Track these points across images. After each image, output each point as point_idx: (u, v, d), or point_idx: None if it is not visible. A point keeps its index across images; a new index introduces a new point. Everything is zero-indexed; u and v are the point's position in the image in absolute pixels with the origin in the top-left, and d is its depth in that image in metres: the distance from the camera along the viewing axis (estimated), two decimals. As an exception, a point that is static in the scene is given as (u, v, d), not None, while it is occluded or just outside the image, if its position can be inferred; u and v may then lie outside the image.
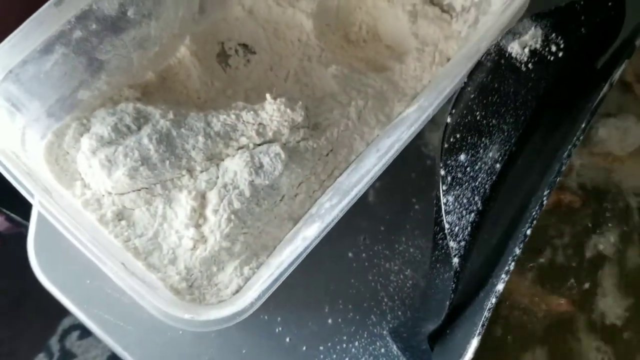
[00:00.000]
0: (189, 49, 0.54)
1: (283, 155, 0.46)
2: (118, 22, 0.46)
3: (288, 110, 0.47)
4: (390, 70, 0.53)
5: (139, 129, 0.46)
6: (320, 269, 0.51)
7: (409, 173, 0.55)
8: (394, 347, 0.50)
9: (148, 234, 0.45)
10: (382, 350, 0.50)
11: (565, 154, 0.36)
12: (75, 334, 1.14)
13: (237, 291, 0.44)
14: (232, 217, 0.44)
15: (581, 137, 0.37)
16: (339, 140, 0.49)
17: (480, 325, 0.34)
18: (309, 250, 0.40)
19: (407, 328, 0.49)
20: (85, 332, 1.13)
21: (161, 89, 0.52)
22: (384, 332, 0.50)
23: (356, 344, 0.50)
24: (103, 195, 0.46)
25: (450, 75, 0.43)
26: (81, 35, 0.44)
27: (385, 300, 0.51)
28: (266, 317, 0.50)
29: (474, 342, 0.34)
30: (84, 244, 0.38)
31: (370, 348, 0.50)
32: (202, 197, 0.46)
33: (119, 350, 0.48)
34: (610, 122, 0.51)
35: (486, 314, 0.34)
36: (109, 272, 0.37)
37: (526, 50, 0.40)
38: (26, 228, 0.51)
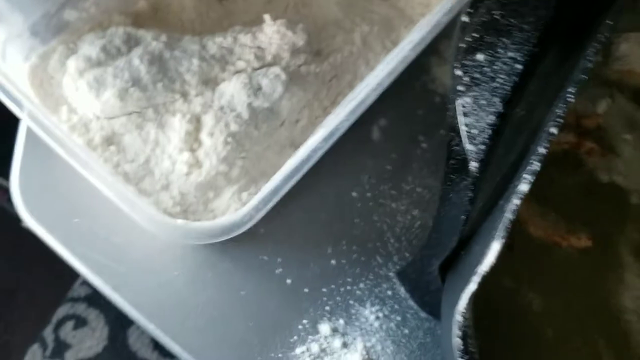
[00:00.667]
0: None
1: (283, 77, 0.43)
2: None
3: (289, 33, 0.44)
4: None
5: (130, 50, 0.44)
6: (323, 208, 0.49)
7: (416, 110, 0.52)
8: (402, 289, 0.47)
9: (139, 159, 0.42)
10: (389, 292, 0.47)
11: (591, 50, 0.33)
12: (70, 324, 1.11)
13: (235, 215, 0.41)
14: (229, 139, 0.41)
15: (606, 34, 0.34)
16: (342, 66, 0.46)
17: (502, 229, 0.31)
18: (311, 161, 0.37)
19: (415, 268, 0.46)
20: (80, 322, 1.11)
21: (153, 19, 0.49)
22: (390, 273, 0.47)
23: (361, 285, 0.47)
24: (91, 120, 0.43)
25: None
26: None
27: (392, 241, 0.48)
28: (265, 257, 0.47)
29: (495, 246, 0.30)
30: (74, 154, 0.34)
31: (376, 290, 0.47)
32: (197, 121, 0.43)
33: (108, 291, 0.44)
34: (632, 37, 0.48)
35: (509, 215, 0.31)
36: (97, 182, 0.34)
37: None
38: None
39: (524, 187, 0.32)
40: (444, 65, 0.52)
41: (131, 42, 0.44)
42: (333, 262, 0.47)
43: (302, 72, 0.44)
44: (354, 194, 0.49)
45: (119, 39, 0.44)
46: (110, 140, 0.42)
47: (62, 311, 1.12)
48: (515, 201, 0.32)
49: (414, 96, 0.52)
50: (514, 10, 0.36)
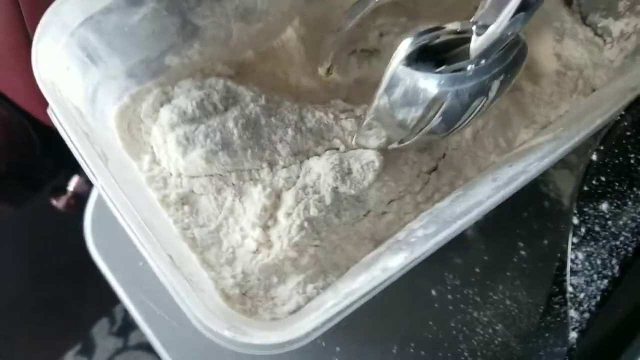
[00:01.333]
0: (297, 32, 0.48)
1: (377, 164, 0.39)
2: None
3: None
4: (520, 91, 0.44)
5: (226, 109, 0.42)
6: (396, 301, 0.45)
7: (521, 212, 0.46)
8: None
9: (210, 225, 0.40)
10: (451, 411, 0.42)
11: None
12: (140, 308, 1.15)
13: (294, 310, 0.37)
14: (306, 224, 0.38)
15: None
16: (445, 159, 0.42)
17: None
18: (387, 284, 0.33)
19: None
20: (149, 309, 1.14)
21: (258, 71, 0.47)
22: (456, 391, 0.43)
23: (422, 397, 0.42)
24: (171, 174, 0.41)
25: (600, 107, 0.35)
26: (176, -8, 0.39)
27: (466, 354, 0.44)
28: (324, 343, 0.43)
29: None
30: (127, 223, 0.33)
31: (438, 406, 0.42)
32: (276, 197, 0.40)
33: (156, 344, 0.43)
34: None
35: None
36: (151, 263, 0.32)
37: None
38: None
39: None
40: (562, 168, 0.46)
41: (229, 100, 0.42)
42: (396, 364, 0.43)
43: (399, 159, 0.41)
44: (434, 292, 0.45)
45: (217, 94, 0.42)
46: (186, 199, 0.40)
47: (135, 292, 1.15)
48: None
49: (521, 195, 0.46)
50: (657, 156, 0.30)
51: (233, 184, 0.41)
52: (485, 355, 0.43)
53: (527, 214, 0.47)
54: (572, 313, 0.29)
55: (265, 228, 0.39)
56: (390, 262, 0.33)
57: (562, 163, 0.46)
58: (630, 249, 0.29)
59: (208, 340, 0.43)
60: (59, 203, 0.81)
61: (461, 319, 0.44)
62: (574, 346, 0.29)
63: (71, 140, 0.34)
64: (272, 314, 0.38)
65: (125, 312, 1.15)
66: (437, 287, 0.45)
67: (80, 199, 0.82)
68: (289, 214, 0.39)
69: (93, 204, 0.47)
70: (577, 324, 0.29)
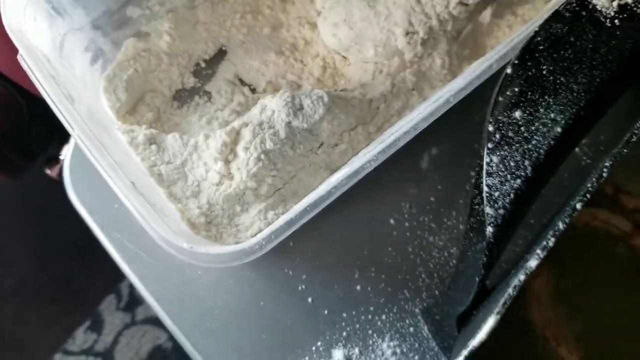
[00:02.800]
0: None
1: (326, 99, 0.42)
2: None
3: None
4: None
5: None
6: (357, 230, 0.48)
7: (472, 144, 0.49)
8: (425, 328, 0.45)
9: (176, 161, 0.43)
10: (411, 329, 0.45)
11: (638, 124, 0.30)
12: (145, 283, 1.18)
13: (257, 234, 0.41)
14: (262, 156, 0.41)
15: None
16: (393, 93, 0.44)
17: (501, 304, 0.29)
18: (331, 198, 0.36)
19: (440, 310, 0.44)
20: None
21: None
22: (416, 310, 0.46)
23: (383, 317, 0.46)
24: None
25: (523, 28, 0.37)
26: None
27: (423, 276, 0.47)
28: (290, 272, 0.47)
29: (490, 321, 0.29)
30: (95, 159, 0.36)
31: (398, 325, 0.45)
32: (236, 133, 0.43)
33: (134, 279, 0.46)
34: None
35: (510, 291, 0.29)
36: (116, 190, 0.35)
37: (614, 3, 0.34)
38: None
39: (532, 262, 0.30)
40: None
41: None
42: (358, 287, 0.46)
43: (347, 95, 0.43)
44: (392, 221, 0.48)
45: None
46: (153, 139, 0.43)
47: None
48: (521, 277, 0.30)
49: (471, 129, 0.49)
50: (566, 67, 0.33)
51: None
52: (441, 276, 0.47)
53: (478, 145, 0.49)
54: (488, 210, 0.32)
55: (226, 162, 0.42)
56: (332, 178, 0.36)
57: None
58: (541, 151, 0.32)
59: (183, 275, 0.47)
60: (52, 172, 0.85)
61: (418, 244, 0.47)
62: (491, 239, 0.32)
63: (39, 82, 0.37)
64: (236, 239, 0.41)
65: (131, 288, 1.18)
66: (395, 216, 0.48)
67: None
68: (247, 148, 0.42)
69: (70, 155, 0.50)
70: (492, 219, 0.31)
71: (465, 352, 0.30)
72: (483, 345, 0.29)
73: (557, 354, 0.38)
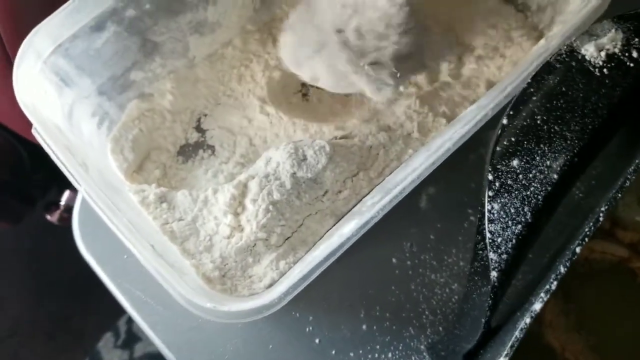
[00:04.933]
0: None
1: (328, 148, 0.44)
2: (173, 3, 0.45)
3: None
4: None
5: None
6: (361, 271, 0.49)
7: (468, 183, 0.51)
8: (430, 364, 0.47)
9: (187, 218, 0.44)
10: (417, 365, 0.47)
11: (632, 168, 0.32)
12: (142, 319, 1.17)
13: (270, 285, 0.42)
14: (271, 207, 0.43)
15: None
16: (392, 139, 0.46)
17: (509, 346, 0.30)
18: (344, 249, 0.38)
19: (445, 346, 0.45)
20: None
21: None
22: (422, 346, 0.47)
23: (389, 355, 0.47)
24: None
25: (514, 75, 0.39)
26: (134, 14, 0.44)
27: (427, 313, 0.48)
28: (297, 314, 0.48)
29: (501, 364, 0.30)
30: (113, 223, 0.37)
31: (404, 362, 0.47)
32: (243, 186, 0.44)
33: (145, 327, 0.47)
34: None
35: (517, 334, 0.30)
36: (137, 254, 0.36)
37: (602, 53, 0.36)
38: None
39: (537, 306, 0.31)
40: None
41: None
42: (364, 327, 0.48)
43: (346, 144, 0.45)
44: (394, 260, 0.49)
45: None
46: (163, 197, 0.45)
47: (137, 305, 1.18)
48: (527, 320, 0.31)
49: (467, 168, 0.51)
50: (559, 117, 0.35)
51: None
52: (444, 312, 0.48)
53: (474, 184, 0.51)
54: (492, 255, 0.33)
55: (236, 214, 0.44)
56: (345, 230, 0.38)
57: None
58: (539, 197, 0.34)
59: (191, 321, 0.47)
60: (52, 217, 0.85)
61: (420, 282, 0.49)
62: (496, 283, 0.33)
63: (55, 154, 0.39)
64: (250, 290, 0.42)
65: (129, 325, 1.18)
66: (397, 255, 0.50)
67: (72, 211, 0.86)
68: (254, 200, 0.43)
69: (78, 208, 0.51)
70: (496, 265, 0.33)
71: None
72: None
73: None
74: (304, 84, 0.52)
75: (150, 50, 0.47)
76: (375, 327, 0.47)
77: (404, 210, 0.50)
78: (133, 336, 1.18)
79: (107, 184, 0.42)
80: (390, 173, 0.46)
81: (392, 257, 0.49)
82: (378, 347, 0.47)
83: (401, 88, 0.46)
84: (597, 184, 0.42)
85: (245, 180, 0.44)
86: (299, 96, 0.52)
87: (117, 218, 0.37)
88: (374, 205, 0.39)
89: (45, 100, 0.42)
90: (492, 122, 0.50)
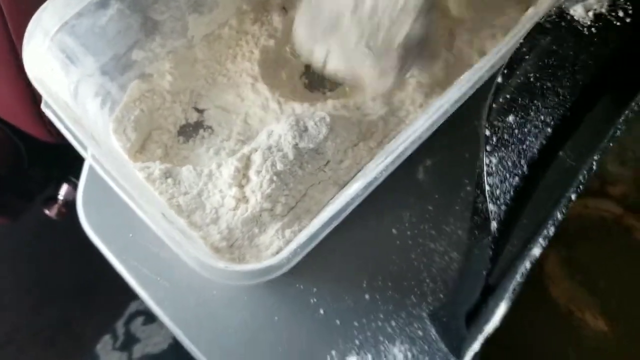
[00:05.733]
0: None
1: (328, 119, 0.45)
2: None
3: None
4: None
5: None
6: (362, 242, 0.50)
7: (463, 153, 0.52)
8: (432, 330, 0.47)
9: (192, 192, 0.45)
10: (420, 332, 0.47)
11: (621, 119, 0.33)
12: (140, 319, 1.18)
13: (277, 252, 0.43)
14: (274, 178, 0.44)
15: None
16: (392, 111, 0.47)
17: (510, 290, 0.31)
18: (350, 209, 0.39)
19: (446, 312, 0.46)
20: (149, 318, 1.17)
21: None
22: (423, 314, 0.48)
23: (392, 323, 0.48)
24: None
25: (507, 39, 0.41)
26: (136, -8, 0.45)
27: (427, 281, 0.49)
28: (301, 286, 0.49)
29: (502, 307, 0.31)
30: (126, 192, 0.38)
31: (407, 329, 0.48)
32: (247, 159, 0.45)
33: (152, 304, 0.48)
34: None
35: (518, 277, 0.31)
36: (148, 220, 0.37)
37: (590, 13, 0.38)
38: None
39: (536, 251, 0.32)
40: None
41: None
42: (367, 296, 0.48)
43: (347, 114, 0.46)
44: (394, 231, 0.50)
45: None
46: (168, 173, 0.46)
47: (134, 306, 1.18)
48: (527, 264, 0.32)
49: (462, 139, 0.52)
50: (551, 74, 0.36)
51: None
52: (444, 280, 0.49)
53: (469, 154, 0.53)
54: (491, 207, 0.34)
55: (240, 186, 0.45)
56: (350, 190, 0.39)
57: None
58: (535, 150, 0.35)
59: (198, 297, 0.48)
60: (51, 212, 0.86)
61: (420, 252, 0.50)
62: (496, 234, 0.34)
63: (65, 125, 0.39)
64: (258, 259, 0.43)
65: (126, 327, 1.18)
66: (397, 226, 0.51)
67: (71, 206, 0.86)
68: (258, 171, 0.44)
69: (83, 187, 0.52)
70: (495, 215, 0.34)
71: (481, 338, 0.32)
72: (503, 328, 0.31)
73: (584, 322, 0.41)
74: (305, 72, 0.53)
75: (151, 29, 0.48)
76: (377, 297, 0.48)
77: (402, 183, 0.52)
78: (131, 338, 1.19)
79: (115, 161, 0.43)
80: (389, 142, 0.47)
81: (392, 228, 0.50)
82: (381, 315, 0.48)
83: (407, 75, 0.48)
84: (586, 151, 0.43)
85: (248, 153, 0.45)
86: (300, 83, 0.54)
87: (128, 184, 0.38)
88: (378, 165, 0.40)
89: (53, 77, 0.43)
90: (485, 95, 0.52)
